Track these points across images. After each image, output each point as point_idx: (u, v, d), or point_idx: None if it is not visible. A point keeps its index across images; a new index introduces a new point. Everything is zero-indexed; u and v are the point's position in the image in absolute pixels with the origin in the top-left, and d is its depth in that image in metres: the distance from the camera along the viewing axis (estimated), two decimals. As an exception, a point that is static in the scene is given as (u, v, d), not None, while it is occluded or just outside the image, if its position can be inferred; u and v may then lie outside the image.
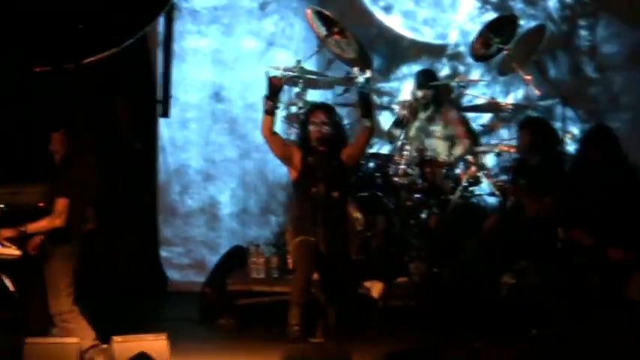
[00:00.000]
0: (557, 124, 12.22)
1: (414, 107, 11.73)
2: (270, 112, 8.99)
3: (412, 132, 11.50)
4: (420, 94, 11.67)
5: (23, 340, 8.20)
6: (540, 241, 9.17)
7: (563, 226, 9.17)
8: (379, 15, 12.83)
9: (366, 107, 9.11)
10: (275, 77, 9.10)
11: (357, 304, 9.40)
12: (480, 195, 11.23)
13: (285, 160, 9.31)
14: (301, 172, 9.11)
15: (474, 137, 11.80)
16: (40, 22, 9.79)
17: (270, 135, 9.08)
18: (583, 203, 8.81)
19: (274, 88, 9.03)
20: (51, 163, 9.10)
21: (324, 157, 9.04)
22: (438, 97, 11.74)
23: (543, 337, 8.77)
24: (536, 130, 9.57)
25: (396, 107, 12.16)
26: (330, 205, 8.92)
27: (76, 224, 8.77)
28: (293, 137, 11.30)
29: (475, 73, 12.59)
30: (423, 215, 11.19)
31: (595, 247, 8.73)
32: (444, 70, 12.46)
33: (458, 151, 11.50)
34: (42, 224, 8.66)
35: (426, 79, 11.74)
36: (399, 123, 11.67)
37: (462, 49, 12.64)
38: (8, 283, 8.86)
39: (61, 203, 8.64)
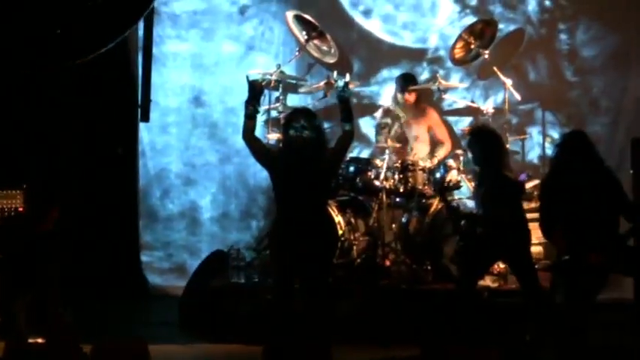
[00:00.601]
0: (538, 128, 12.31)
1: (394, 111, 11.75)
2: (251, 116, 8.96)
3: (392, 136, 11.50)
4: (400, 97, 11.70)
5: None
6: (512, 246, 9.18)
7: (542, 229, 9.18)
8: (359, 19, 12.83)
9: (346, 111, 9.10)
10: (256, 81, 9.08)
11: (333, 305, 9.37)
12: (460, 199, 11.23)
13: (266, 164, 9.30)
14: (282, 176, 9.10)
15: (454, 141, 11.84)
16: (20, 25, 9.76)
17: (251, 140, 9.06)
18: (561, 208, 8.81)
19: (255, 91, 9.01)
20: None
21: (304, 161, 9.02)
22: (419, 100, 11.76)
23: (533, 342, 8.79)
24: (485, 143, 9.51)
25: (377, 111, 12.18)
26: (310, 209, 8.90)
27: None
28: (273, 141, 11.32)
29: (455, 77, 12.60)
30: (404, 219, 11.21)
31: (574, 251, 8.74)
32: (423, 74, 12.46)
33: (439, 154, 11.53)
34: None
35: (406, 82, 11.76)
36: (380, 127, 11.67)
37: (442, 53, 12.65)
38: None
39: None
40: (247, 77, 8.90)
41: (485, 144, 9.30)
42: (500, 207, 9.09)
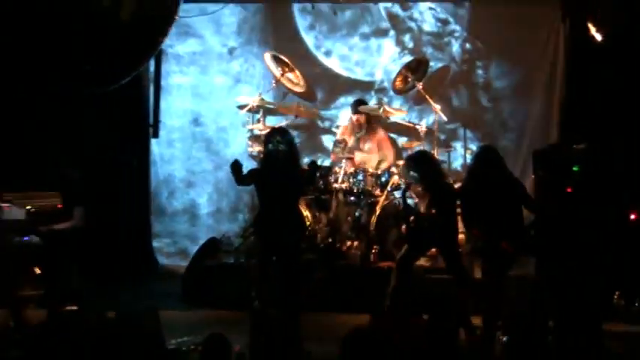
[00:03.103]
0: (460, 143, 12.33)
1: (349, 129, 11.77)
2: (237, 179, 9.03)
3: (348, 149, 11.52)
4: (354, 118, 11.71)
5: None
6: (440, 234, 9.21)
7: (464, 222, 9.23)
8: (321, 58, 12.82)
9: (310, 177, 9.27)
10: (234, 162, 9.04)
11: (303, 279, 9.38)
12: (400, 198, 11.23)
13: (253, 182, 9.28)
14: (262, 180, 9.11)
15: (396, 153, 11.86)
16: (57, 62, 9.72)
17: (241, 183, 9.14)
18: (477, 205, 8.86)
19: (235, 169, 9.02)
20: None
21: (280, 169, 9.03)
22: (369, 121, 11.78)
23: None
24: (416, 165, 9.49)
25: (335, 130, 12.19)
26: (284, 205, 8.92)
27: None
28: (255, 153, 11.32)
29: (396, 103, 12.60)
30: (357, 213, 11.23)
31: (488, 240, 8.78)
32: (372, 101, 12.45)
33: (385, 163, 11.54)
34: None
35: (359, 106, 11.77)
36: (338, 142, 11.68)
37: (386, 84, 12.64)
38: (36, 268, 8.92)
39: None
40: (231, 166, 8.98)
41: (424, 166, 9.31)
42: (441, 208, 9.11)
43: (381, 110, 11.62)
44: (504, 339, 8.11)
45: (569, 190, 9.68)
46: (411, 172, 9.33)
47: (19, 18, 8.73)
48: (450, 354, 6.59)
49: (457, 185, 10.30)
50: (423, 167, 9.29)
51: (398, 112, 11.93)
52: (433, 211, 9.13)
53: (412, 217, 9.38)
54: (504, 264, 8.85)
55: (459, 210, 9.31)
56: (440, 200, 9.15)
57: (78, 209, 9.42)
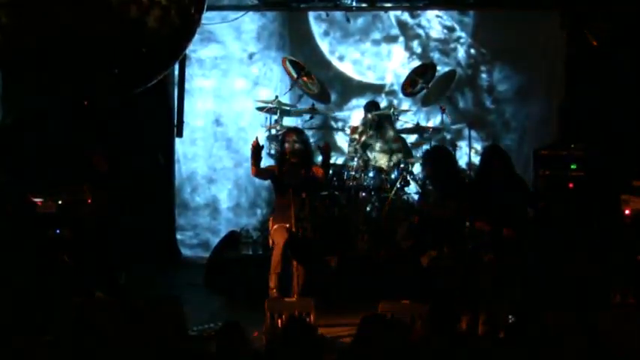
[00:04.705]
0: (465, 142, 12.32)
1: (361, 129, 11.77)
2: (255, 164, 9.00)
3: (359, 147, 11.52)
4: (369, 116, 11.70)
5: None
6: (450, 229, 9.17)
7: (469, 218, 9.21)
8: (335, 62, 12.86)
9: (326, 161, 9.25)
10: (254, 142, 9.03)
11: (317, 270, 9.37)
12: (409, 193, 11.25)
13: (270, 178, 9.30)
14: (279, 178, 9.12)
15: (406, 151, 11.85)
16: (87, 66, 9.72)
17: (257, 174, 9.13)
18: (484, 201, 8.84)
19: (255, 149, 9.00)
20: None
21: (296, 167, 9.04)
22: (380, 121, 11.77)
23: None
24: (435, 163, 9.45)
25: (348, 130, 12.18)
26: (300, 201, 8.93)
27: None
28: (272, 151, 11.33)
29: (405, 105, 12.62)
30: (368, 208, 11.23)
31: (492, 230, 8.76)
32: (382, 103, 12.45)
33: (395, 161, 11.52)
34: None
35: (371, 108, 11.78)
36: (351, 141, 11.71)
37: (396, 87, 12.66)
38: (65, 256, 8.93)
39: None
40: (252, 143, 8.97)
41: (438, 162, 9.29)
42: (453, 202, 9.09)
43: (392, 111, 11.66)
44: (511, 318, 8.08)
45: (570, 185, 9.68)
46: (427, 167, 9.35)
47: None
48: (452, 340, 6.59)
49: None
50: (437, 163, 9.28)
51: (407, 112, 11.95)
52: (444, 204, 9.12)
53: (424, 210, 9.38)
54: (508, 254, 8.83)
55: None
56: (452, 194, 9.13)
57: (106, 203, 9.44)
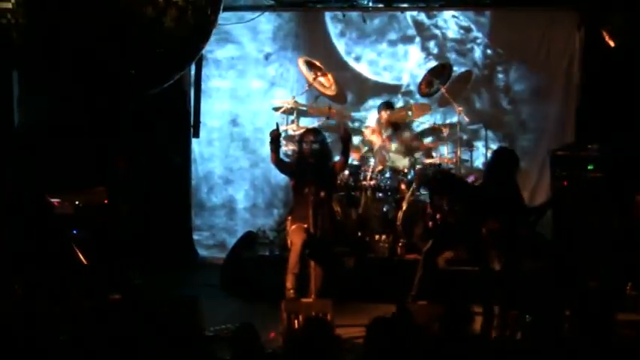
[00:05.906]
0: (482, 142, 12.25)
1: (377, 130, 11.70)
2: (275, 150, 9.02)
3: (376, 148, 11.47)
4: (385, 115, 11.64)
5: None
6: (464, 231, 9.10)
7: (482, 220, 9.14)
8: (351, 63, 12.78)
9: (346, 147, 9.21)
10: (274, 130, 9.08)
11: (334, 270, 9.34)
12: (425, 194, 11.17)
13: (287, 173, 9.29)
14: (297, 178, 9.07)
15: (422, 152, 11.78)
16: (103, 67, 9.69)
17: (277, 162, 9.13)
18: (492, 202, 8.76)
19: (274, 136, 9.03)
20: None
21: (313, 167, 9.00)
22: (397, 122, 11.71)
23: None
24: (441, 190, 9.42)
25: (364, 130, 12.11)
26: (318, 201, 8.88)
27: None
28: (290, 152, 11.27)
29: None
30: (384, 209, 11.17)
31: (502, 229, 8.69)
32: (399, 103, 12.39)
33: (410, 161, 11.46)
34: None
35: (386, 108, 11.73)
36: (366, 142, 11.66)
37: (412, 87, 12.57)
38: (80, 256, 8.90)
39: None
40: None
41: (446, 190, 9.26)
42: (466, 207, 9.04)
43: (409, 113, 11.61)
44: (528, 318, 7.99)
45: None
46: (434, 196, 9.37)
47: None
48: (466, 340, 6.52)
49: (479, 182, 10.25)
50: (445, 191, 9.25)
51: (423, 112, 11.89)
52: (457, 208, 9.05)
53: (438, 214, 9.31)
54: (519, 252, 8.74)
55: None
56: (464, 201, 9.07)
57: (123, 204, 9.42)
